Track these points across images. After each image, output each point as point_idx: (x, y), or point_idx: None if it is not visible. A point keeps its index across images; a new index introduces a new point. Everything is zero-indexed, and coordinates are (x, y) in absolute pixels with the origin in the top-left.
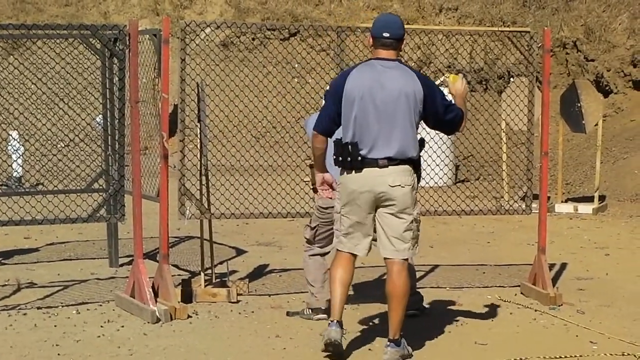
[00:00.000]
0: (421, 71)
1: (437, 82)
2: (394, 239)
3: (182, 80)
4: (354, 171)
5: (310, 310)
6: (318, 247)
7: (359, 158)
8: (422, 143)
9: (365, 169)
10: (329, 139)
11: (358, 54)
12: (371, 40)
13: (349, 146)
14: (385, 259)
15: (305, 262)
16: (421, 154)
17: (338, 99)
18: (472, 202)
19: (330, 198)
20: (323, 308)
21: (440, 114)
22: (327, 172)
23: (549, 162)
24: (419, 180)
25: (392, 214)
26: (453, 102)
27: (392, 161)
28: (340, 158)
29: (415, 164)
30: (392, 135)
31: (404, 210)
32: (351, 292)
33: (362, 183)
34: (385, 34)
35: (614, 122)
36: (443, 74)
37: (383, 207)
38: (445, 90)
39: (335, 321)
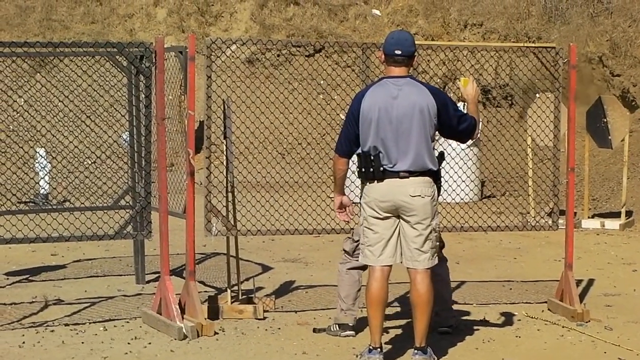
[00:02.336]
0: (446, 87)
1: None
2: (414, 249)
3: (208, 97)
4: (376, 181)
5: (337, 326)
6: (356, 260)
7: (381, 169)
8: (441, 156)
9: (386, 179)
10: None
11: (383, 70)
12: (383, 57)
13: (372, 158)
14: (408, 269)
15: (340, 276)
16: (446, 168)
17: (355, 121)
18: (499, 218)
19: (347, 222)
20: (351, 324)
21: (454, 125)
22: (345, 195)
23: (575, 178)
24: (439, 193)
25: (412, 224)
26: (465, 111)
27: (412, 173)
28: (363, 169)
29: (435, 176)
30: (410, 150)
31: (424, 221)
32: None
33: (383, 192)
34: (397, 52)
35: None
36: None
37: (404, 218)
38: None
39: (378, 348)
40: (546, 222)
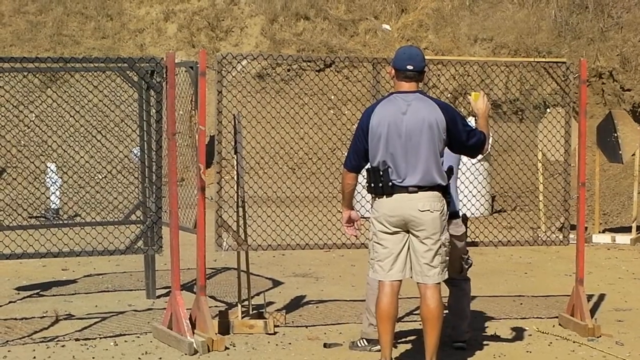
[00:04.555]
0: (456, 102)
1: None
2: (424, 264)
3: (218, 112)
4: (385, 196)
5: (366, 341)
6: None
7: (390, 184)
8: (450, 171)
9: (395, 194)
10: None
11: (394, 85)
12: (393, 72)
13: (381, 173)
14: (418, 283)
15: (371, 290)
16: (457, 183)
17: (364, 136)
18: (509, 232)
19: (356, 236)
20: None
21: (463, 140)
22: (354, 209)
23: (586, 193)
24: (448, 207)
25: (421, 239)
26: (475, 126)
27: (421, 188)
28: (372, 184)
29: (444, 191)
30: (419, 165)
31: (433, 235)
32: None
33: (392, 207)
34: (409, 67)
35: None
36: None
37: (413, 232)
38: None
39: None
40: (557, 237)
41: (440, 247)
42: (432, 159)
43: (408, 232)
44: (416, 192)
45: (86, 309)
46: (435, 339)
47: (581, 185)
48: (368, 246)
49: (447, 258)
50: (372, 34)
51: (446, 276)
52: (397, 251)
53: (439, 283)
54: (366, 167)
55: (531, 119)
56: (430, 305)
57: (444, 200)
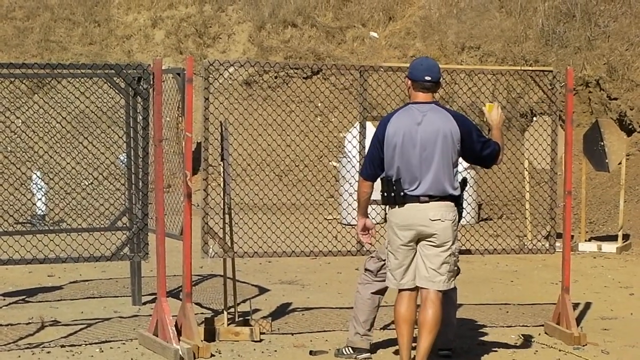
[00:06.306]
0: None
1: None
2: (431, 270)
3: (205, 118)
4: (397, 206)
5: (351, 349)
6: (379, 280)
7: (402, 194)
8: (464, 182)
9: (407, 204)
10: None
11: (381, 92)
12: (409, 83)
13: (393, 183)
14: (420, 288)
15: (361, 299)
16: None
17: (380, 145)
18: (495, 240)
19: (371, 244)
20: (367, 349)
21: (477, 151)
22: (368, 218)
23: (572, 201)
24: (460, 217)
25: (431, 246)
26: (489, 137)
27: (432, 198)
28: (386, 194)
29: (456, 201)
30: (432, 175)
31: (444, 244)
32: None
33: (404, 217)
34: (427, 78)
35: (637, 161)
36: (466, 113)
37: (424, 240)
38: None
39: None
40: (543, 245)
41: (449, 255)
42: (445, 169)
43: (419, 241)
44: (427, 201)
45: (72, 316)
46: (428, 346)
47: (567, 194)
48: (377, 251)
49: (455, 268)
50: (359, 42)
51: (452, 285)
52: (407, 263)
53: (441, 292)
54: (380, 177)
55: (518, 128)
56: (429, 311)
57: (457, 210)
